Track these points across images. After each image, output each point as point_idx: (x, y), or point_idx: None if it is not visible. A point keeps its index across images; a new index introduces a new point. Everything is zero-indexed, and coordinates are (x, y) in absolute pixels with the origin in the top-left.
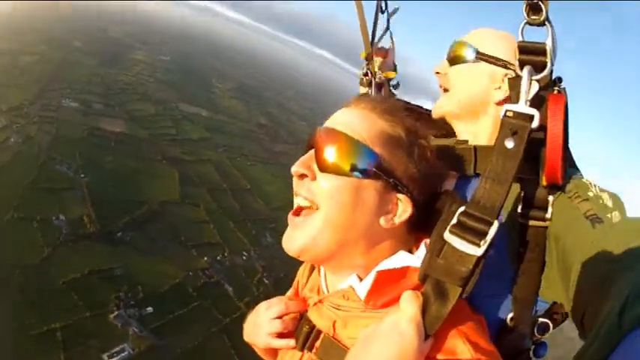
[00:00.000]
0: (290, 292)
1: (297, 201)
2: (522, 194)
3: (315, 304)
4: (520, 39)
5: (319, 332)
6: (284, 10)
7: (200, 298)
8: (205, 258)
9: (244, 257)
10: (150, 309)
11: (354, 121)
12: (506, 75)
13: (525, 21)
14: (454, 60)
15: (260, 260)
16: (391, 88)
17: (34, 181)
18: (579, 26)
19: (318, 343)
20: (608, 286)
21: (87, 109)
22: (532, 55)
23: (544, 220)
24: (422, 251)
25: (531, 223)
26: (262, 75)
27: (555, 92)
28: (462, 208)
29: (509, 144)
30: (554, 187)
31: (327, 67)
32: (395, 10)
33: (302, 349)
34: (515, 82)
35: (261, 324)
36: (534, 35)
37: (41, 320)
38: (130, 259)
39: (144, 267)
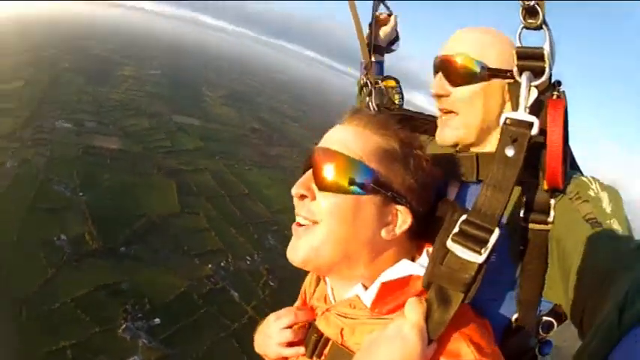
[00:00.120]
0: (298, 303)
1: (299, 220)
2: (524, 198)
3: (322, 313)
4: (518, 44)
5: (327, 340)
6: (265, 12)
7: (206, 305)
8: (209, 265)
9: (248, 262)
10: (157, 320)
11: (349, 139)
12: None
13: (522, 25)
14: (460, 80)
15: (264, 263)
16: (396, 95)
17: (33, 203)
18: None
19: (326, 351)
20: (607, 286)
21: (80, 128)
22: (530, 60)
23: (546, 223)
24: (424, 259)
25: (533, 226)
26: (251, 80)
27: (555, 97)
28: (463, 217)
29: (510, 152)
30: (556, 190)
31: (316, 67)
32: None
33: (311, 357)
34: (514, 88)
35: (272, 334)
36: (532, 36)
37: (50, 340)
38: (135, 272)
39: (149, 279)
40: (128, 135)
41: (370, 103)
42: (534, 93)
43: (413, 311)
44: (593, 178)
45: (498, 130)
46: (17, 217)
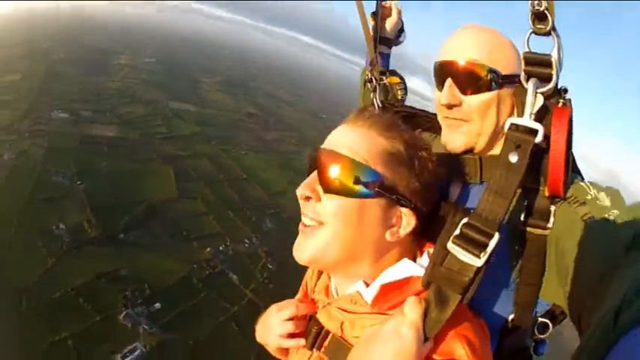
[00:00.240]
0: (299, 295)
1: (304, 220)
2: (524, 202)
3: (324, 306)
4: (526, 49)
5: (328, 332)
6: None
7: (206, 289)
8: (208, 249)
9: (246, 245)
10: (158, 305)
11: (354, 141)
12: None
13: (531, 30)
14: (473, 88)
15: (262, 246)
16: (400, 92)
17: (31, 194)
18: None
19: (326, 343)
20: (605, 285)
21: (77, 118)
22: (538, 66)
23: (545, 229)
24: (425, 259)
25: (532, 230)
26: (246, 65)
27: (560, 104)
28: (465, 219)
29: (513, 158)
30: (556, 197)
31: (310, 52)
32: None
33: (311, 349)
34: (520, 92)
35: (273, 326)
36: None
37: (51, 331)
38: (134, 259)
39: (148, 264)
40: (125, 122)
41: (374, 100)
42: (540, 100)
43: (411, 310)
44: (591, 183)
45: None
46: (16, 208)
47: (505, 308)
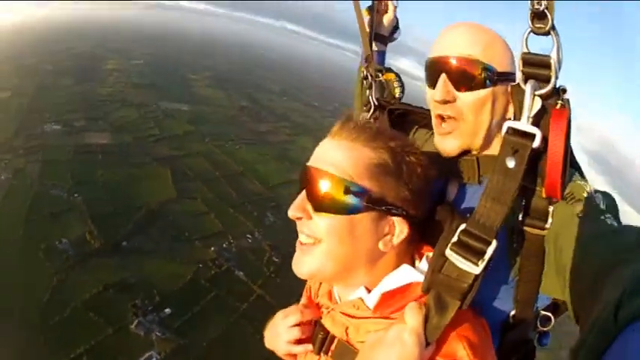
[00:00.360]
0: (303, 299)
1: (301, 238)
2: (522, 202)
3: (328, 312)
4: (524, 49)
5: (333, 337)
6: None
7: (214, 288)
8: (212, 248)
9: (250, 240)
10: (168, 310)
11: (338, 157)
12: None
13: (529, 30)
14: (469, 85)
15: (266, 240)
16: (397, 89)
17: (31, 211)
18: None
19: (333, 347)
20: (603, 281)
21: (70, 129)
22: (536, 67)
23: (543, 229)
24: (424, 264)
25: (530, 230)
26: (234, 59)
27: (559, 106)
28: (462, 226)
29: (510, 163)
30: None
31: (296, 40)
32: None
33: (319, 353)
34: (517, 91)
35: (280, 332)
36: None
37: (66, 349)
38: (140, 266)
39: (154, 270)
40: (117, 128)
41: (370, 97)
42: (538, 103)
43: (412, 317)
44: (588, 182)
45: (500, 134)
46: (17, 227)
47: (506, 305)
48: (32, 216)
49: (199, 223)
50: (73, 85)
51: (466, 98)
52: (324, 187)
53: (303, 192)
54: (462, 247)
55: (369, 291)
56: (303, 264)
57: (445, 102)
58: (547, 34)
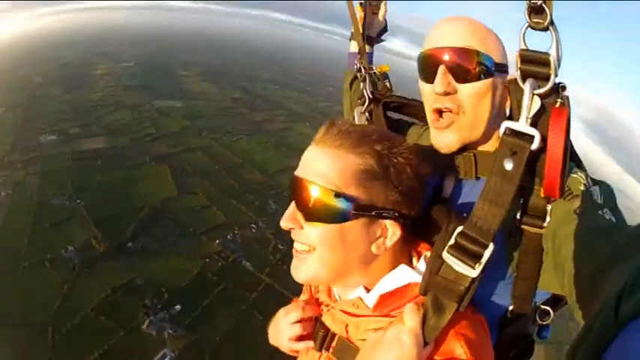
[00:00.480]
0: (304, 295)
1: (296, 246)
2: (520, 200)
3: (328, 309)
4: (522, 45)
5: (334, 334)
6: None
7: (222, 281)
8: (217, 241)
9: (254, 230)
10: (178, 307)
11: (324, 166)
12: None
13: (527, 25)
14: (469, 76)
15: (269, 228)
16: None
17: (34, 223)
18: None
19: (334, 344)
20: (602, 277)
21: (66, 137)
22: (534, 65)
23: (541, 227)
24: (422, 264)
25: (528, 229)
26: (224, 52)
27: (558, 105)
28: (459, 228)
29: (508, 165)
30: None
31: (284, 28)
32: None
33: (320, 350)
34: (515, 88)
35: (282, 329)
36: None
37: (78, 355)
38: (147, 265)
39: (161, 268)
40: (113, 131)
41: (365, 90)
42: (537, 101)
43: (410, 318)
44: (585, 174)
45: (498, 129)
46: (22, 241)
47: (504, 301)
48: (36, 227)
49: (202, 217)
50: (63, 93)
51: (466, 90)
52: (311, 197)
53: (293, 203)
54: (459, 250)
55: (367, 290)
56: (300, 271)
57: (446, 94)
58: (546, 29)
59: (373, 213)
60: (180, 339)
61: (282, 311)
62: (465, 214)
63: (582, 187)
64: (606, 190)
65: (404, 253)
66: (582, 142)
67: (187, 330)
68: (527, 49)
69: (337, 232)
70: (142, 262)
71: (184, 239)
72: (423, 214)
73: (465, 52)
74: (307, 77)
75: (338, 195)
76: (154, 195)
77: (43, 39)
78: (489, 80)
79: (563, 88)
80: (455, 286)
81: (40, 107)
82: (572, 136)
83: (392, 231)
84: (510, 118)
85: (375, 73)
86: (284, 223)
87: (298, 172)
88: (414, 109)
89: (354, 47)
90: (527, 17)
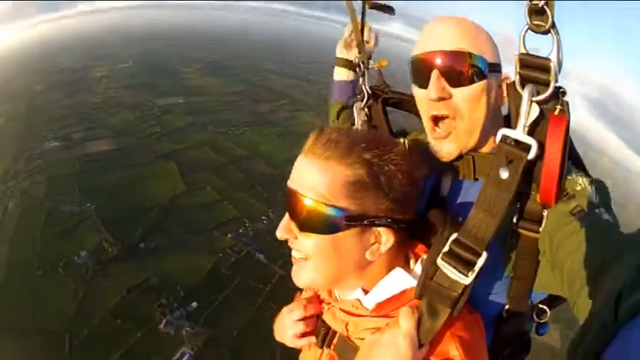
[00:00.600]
0: (305, 293)
1: (293, 254)
2: (517, 204)
3: (329, 308)
4: (522, 49)
5: (335, 332)
6: None
7: (236, 275)
8: (229, 235)
9: (265, 221)
10: (194, 304)
11: (314, 179)
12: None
13: (527, 27)
14: (463, 80)
15: (280, 219)
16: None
17: (44, 230)
18: None
19: (335, 341)
20: (601, 276)
21: (69, 142)
22: (534, 70)
23: (537, 232)
24: (419, 267)
25: (525, 232)
26: (223, 45)
27: (558, 111)
28: (454, 235)
29: (504, 174)
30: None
31: (282, 17)
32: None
33: (322, 347)
34: (513, 93)
35: (286, 326)
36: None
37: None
38: (159, 264)
39: (174, 266)
40: (117, 132)
41: (364, 86)
42: (536, 109)
43: (405, 321)
44: (580, 174)
45: (495, 130)
46: (34, 249)
47: (500, 300)
48: (46, 235)
49: (213, 212)
50: (64, 99)
51: (461, 94)
52: (303, 210)
53: (287, 214)
54: (453, 258)
55: (365, 292)
56: (299, 278)
57: (440, 99)
58: (547, 32)
59: (365, 222)
60: (198, 336)
61: (285, 309)
62: (460, 219)
63: (579, 188)
64: (602, 188)
65: (400, 255)
66: (585, 119)
67: (205, 326)
68: (527, 53)
69: (330, 242)
70: (155, 262)
71: (196, 235)
72: (421, 215)
73: (457, 55)
74: (310, 66)
75: (328, 208)
76: (163, 193)
77: (38, 46)
78: (484, 82)
79: (564, 93)
80: (448, 292)
81: (42, 114)
82: (574, 113)
83: (386, 237)
84: (508, 118)
85: (374, 68)
86: (279, 234)
87: (290, 183)
88: (412, 105)
89: (339, 74)
90: (527, 19)
